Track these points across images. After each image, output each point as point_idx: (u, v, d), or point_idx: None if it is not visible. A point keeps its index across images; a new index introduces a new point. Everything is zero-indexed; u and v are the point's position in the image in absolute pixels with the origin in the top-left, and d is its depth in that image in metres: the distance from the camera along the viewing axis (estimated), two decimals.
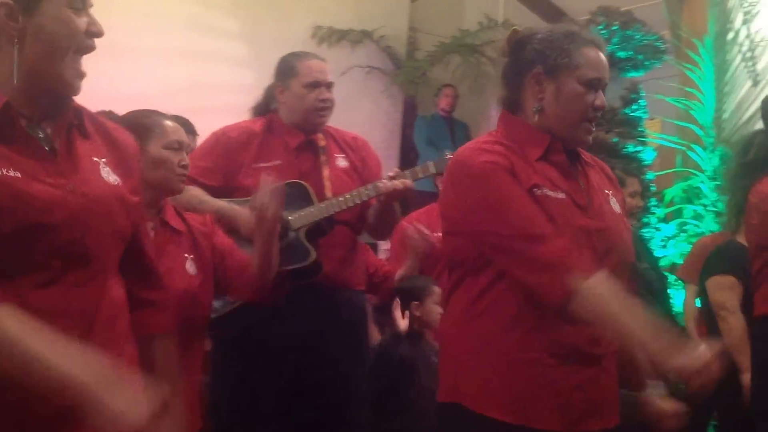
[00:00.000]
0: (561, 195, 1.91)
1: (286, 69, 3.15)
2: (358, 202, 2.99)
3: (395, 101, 8.20)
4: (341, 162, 3.17)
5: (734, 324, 3.61)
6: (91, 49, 1.59)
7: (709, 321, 4.08)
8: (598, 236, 1.90)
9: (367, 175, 3.14)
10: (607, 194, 2.02)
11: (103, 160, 1.64)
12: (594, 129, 2.00)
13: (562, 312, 1.81)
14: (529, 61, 1.99)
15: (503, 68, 2.08)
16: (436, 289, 3.59)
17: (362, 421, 3.16)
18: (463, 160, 1.96)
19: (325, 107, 3.13)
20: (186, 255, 2.52)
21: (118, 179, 1.66)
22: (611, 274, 1.85)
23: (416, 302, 3.58)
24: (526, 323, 1.87)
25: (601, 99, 1.97)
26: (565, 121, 1.97)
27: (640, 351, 1.96)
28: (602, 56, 1.99)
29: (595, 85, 1.97)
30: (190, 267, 2.51)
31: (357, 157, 3.22)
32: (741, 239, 3.44)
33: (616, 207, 2.01)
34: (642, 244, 4.50)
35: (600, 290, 1.79)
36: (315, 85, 3.10)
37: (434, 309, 3.56)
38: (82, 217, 1.55)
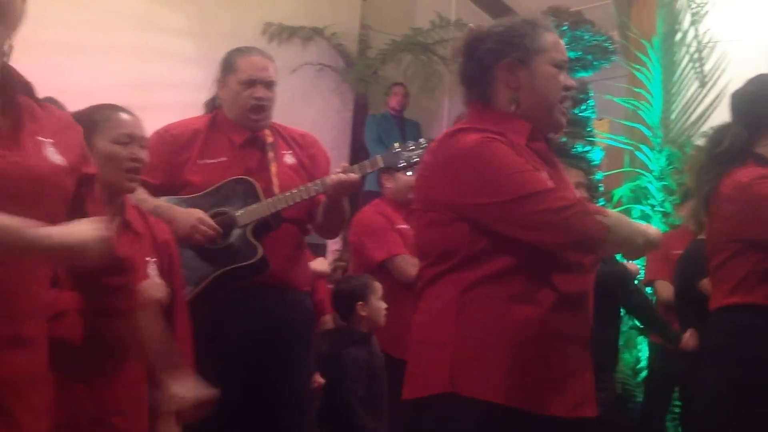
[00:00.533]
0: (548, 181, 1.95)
1: (227, 64, 3.10)
2: (305, 197, 2.95)
3: (346, 99, 8.18)
4: (289, 159, 3.13)
5: None
6: None
7: (682, 317, 4.30)
8: None
9: (316, 172, 3.11)
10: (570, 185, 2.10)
11: (50, 140, 1.63)
12: (566, 112, 2.05)
13: (600, 249, 1.94)
14: (495, 54, 2.01)
15: (462, 68, 2.09)
16: (377, 285, 3.57)
17: (307, 425, 3.13)
18: (452, 141, 1.97)
19: (260, 106, 3.06)
20: (148, 258, 2.47)
21: (65, 160, 1.64)
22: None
23: (361, 302, 3.55)
24: (525, 308, 1.87)
25: (569, 79, 2.03)
26: (543, 104, 2.01)
27: None
28: (560, 39, 2.06)
29: (563, 66, 2.02)
30: (152, 271, 2.47)
31: (305, 154, 3.18)
32: None
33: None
34: None
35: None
36: (251, 82, 3.05)
37: (380, 306, 3.54)
38: (17, 190, 1.52)
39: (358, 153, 7.90)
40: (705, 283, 3.90)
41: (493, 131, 1.95)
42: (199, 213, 2.88)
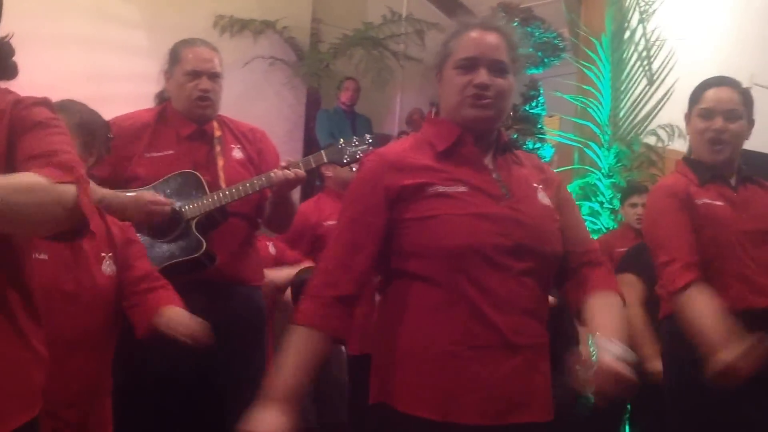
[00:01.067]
0: (461, 188, 1.91)
1: (173, 56, 3.08)
2: (251, 192, 2.93)
3: (298, 93, 8.15)
4: (237, 153, 3.11)
5: (631, 318, 3.74)
6: None
7: None
8: (514, 224, 1.90)
9: (264, 167, 3.08)
10: (536, 188, 2.02)
11: None
12: (479, 103, 1.97)
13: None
14: (436, 70, 2.06)
15: None
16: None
17: None
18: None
19: (203, 98, 3.03)
20: (103, 254, 2.45)
21: None
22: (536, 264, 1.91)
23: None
24: (441, 318, 1.85)
25: (479, 77, 1.95)
26: (450, 107, 2.00)
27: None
28: (487, 35, 1.99)
29: (467, 65, 1.97)
30: (107, 267, 2.45)
31: (253, 149, 3.15)
32: None
33: (545, 200, 2.01)
34: None
35: None
36: (195, 74, 3.02)
37: None
38: None
39: (311, 147, 7.88)
40: (622, 278, 4.03)
41: (411, 143, 2.02)
42: (147, 194, 2.86)
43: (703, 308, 2.47)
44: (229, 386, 2.97)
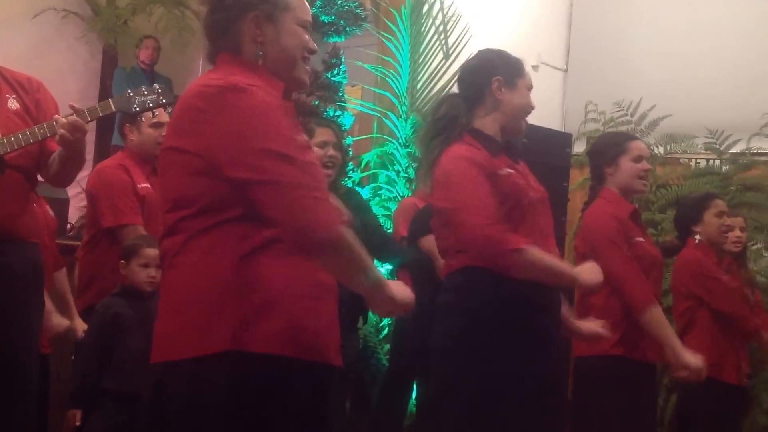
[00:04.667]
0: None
1: None
2: (31, 141, 2.79)
3: (94, 50, 7.84)
4: (13, 104, 2.93)
5: None
6: None
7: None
8: None
9: (42, 119, 2.93)
10: None
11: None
12: (309, 72, 2.09)
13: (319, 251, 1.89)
14: (242, 6, 2.01)
15: (208, 19, 2.08)
16: (146, 252, 3.52)
17: (32, 387, 3.02)
18: (210, 88, 1.92)
19: None
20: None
21: None
22: None
23: (123, 261, 3.57)
24: (299, 261, 1.88)
25: (312, 43, 2.07)
26: (288, 61, 2.04)
27: None
28: (305, 1, 2.10)
29: (307, 27, 2.07)
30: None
31: (30, 99, 2.99)
32: None
33: None
34: (362, 200, 4.63)
35: None
36: None
37: (138, 271, 3.52)
38: None
39: None
40: (425, 240, 4.18)
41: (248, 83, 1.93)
42: None
43: (547, 257, 2.70)
44: (4, 341, 2.89)
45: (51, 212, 4.10)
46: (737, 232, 4.37)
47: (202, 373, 1.82)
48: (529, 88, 2.90)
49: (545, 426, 2.72)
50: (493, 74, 2.83)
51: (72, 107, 2.83)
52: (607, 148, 3.53)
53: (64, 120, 2.77)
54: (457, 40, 6.26)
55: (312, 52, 2.08)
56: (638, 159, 3.45)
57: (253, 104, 1.88)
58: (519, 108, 2.85)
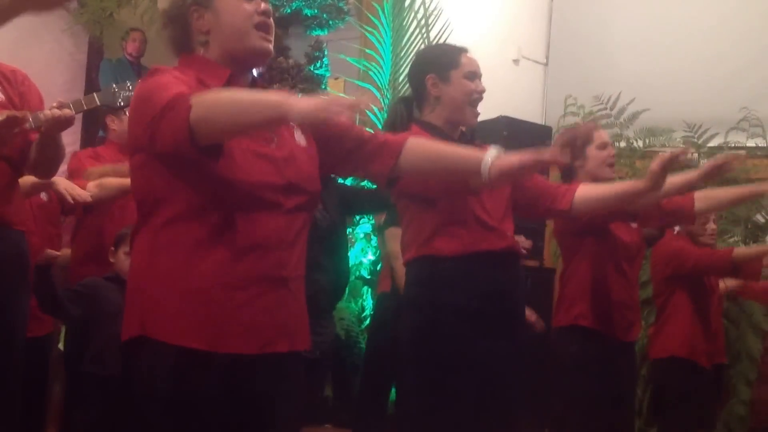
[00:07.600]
0: None
1: None
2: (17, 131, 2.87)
3: (79, 41, 7.84)
4: None
5: (401, 270, 3.97)
6: None
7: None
8: (284, 163, 1.99)
9: (26, 110, 2.99)
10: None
11: None
12: (268, 37, 2.04)
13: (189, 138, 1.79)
14: (181, 5, 2.05)
15: (166, 35, 2.11)
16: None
17: (18, 373, 3.08)
18: (141, 82, 1.99)
19: None
20: None
21: None
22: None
23: (112, 248, 3.66)
24: (210, 253, 1.91)
25: (261, 3, 2.03)
26: (234, 35, 2.02)
27: None
28: None
29: None
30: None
31: (15, 92, 3.03)
32: None
33: (302, 141, 2.08)
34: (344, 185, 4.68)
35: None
36: None
37: (124, 260, 3.56)
38: None
39: None
40: (388, 233, 4.27)
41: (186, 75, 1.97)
42: None
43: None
44: None
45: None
46: (712, 225, 4.46)
47: (125, 356, 2.01)
48: (470, 74, 2.85)
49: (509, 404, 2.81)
50: (427, 72, 2.85)
51: (59, 102, 2.87)
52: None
53: (50, 113, 2.82)
54: (438, 33, 6.31)
55: (265, 12, 2.03)
56: (603, 146, 3.54)
57: (144, 87, 1.94)
58: (458, 100, 2.83)
